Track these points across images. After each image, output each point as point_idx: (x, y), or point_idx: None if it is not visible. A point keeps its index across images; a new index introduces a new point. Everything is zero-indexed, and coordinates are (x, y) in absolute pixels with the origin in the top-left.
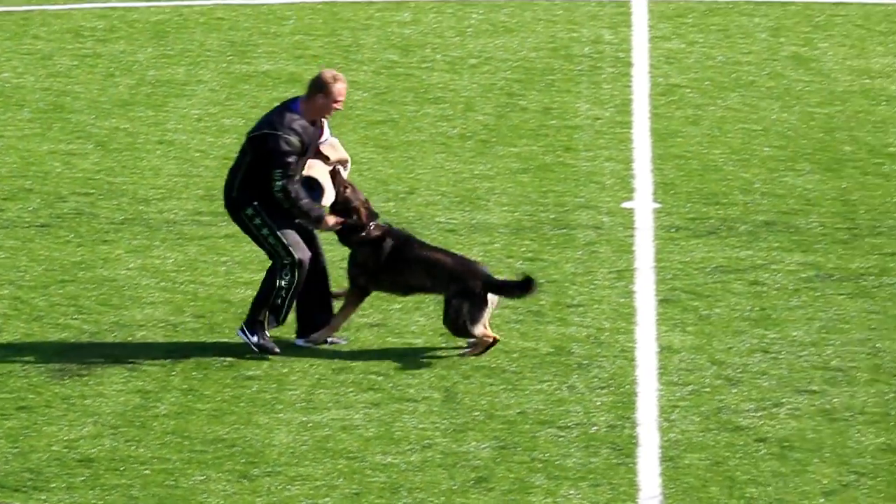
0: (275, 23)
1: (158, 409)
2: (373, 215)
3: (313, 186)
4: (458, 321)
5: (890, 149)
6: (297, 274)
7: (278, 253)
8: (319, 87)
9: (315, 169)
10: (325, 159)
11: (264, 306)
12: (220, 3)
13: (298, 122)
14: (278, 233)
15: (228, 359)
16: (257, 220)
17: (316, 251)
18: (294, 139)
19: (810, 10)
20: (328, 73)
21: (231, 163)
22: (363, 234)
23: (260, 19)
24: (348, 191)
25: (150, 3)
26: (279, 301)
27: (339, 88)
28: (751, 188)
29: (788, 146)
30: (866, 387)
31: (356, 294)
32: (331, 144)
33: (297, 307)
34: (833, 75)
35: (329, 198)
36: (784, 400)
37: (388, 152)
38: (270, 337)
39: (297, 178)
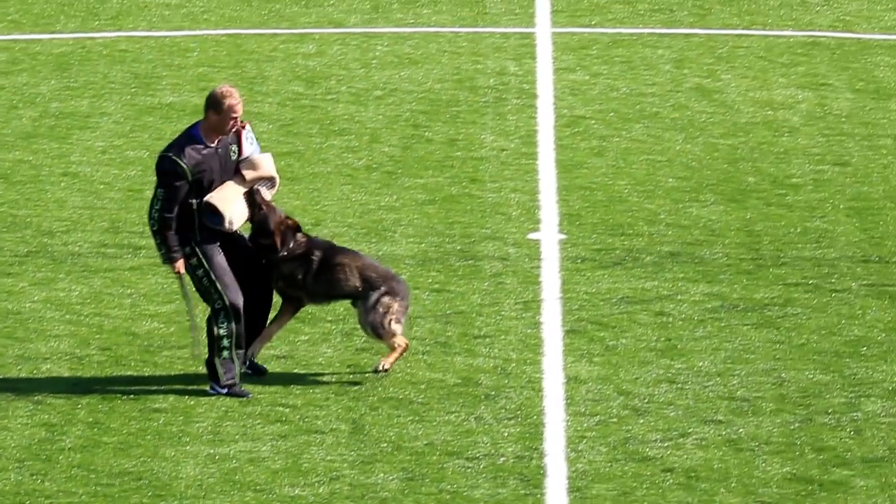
0: (178, 55)
1: (64, 443)
2: (294, 230)
3: (215, 212)
4: (386, 318)
5: (793, 179)
6: (232, 319)
7: (211, 296)
8: (211, 104)
9: (221, 191)
10: (242, 179)
11: (216, 357)
12: (124, 35)
13: (192, 146)
14: (212, 274)
15: (134, 391)
16: (193, 260)
17: (262, 286)
18: (181, 162)
19: (713, 41)
20: (218, 90)
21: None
22: (284, 253)
23: (163, 51)
24: (263, 212)
25: (52, 35)
26: (226, 354)
27: (230, 103)
28: (656, 219)
29: (693, 177)
30: (772, 416)
31: (291, 305)
32: (252, 161)
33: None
34: (736, 107)
35: (236, 219)
36: (690, 430)
37: (294, 184)
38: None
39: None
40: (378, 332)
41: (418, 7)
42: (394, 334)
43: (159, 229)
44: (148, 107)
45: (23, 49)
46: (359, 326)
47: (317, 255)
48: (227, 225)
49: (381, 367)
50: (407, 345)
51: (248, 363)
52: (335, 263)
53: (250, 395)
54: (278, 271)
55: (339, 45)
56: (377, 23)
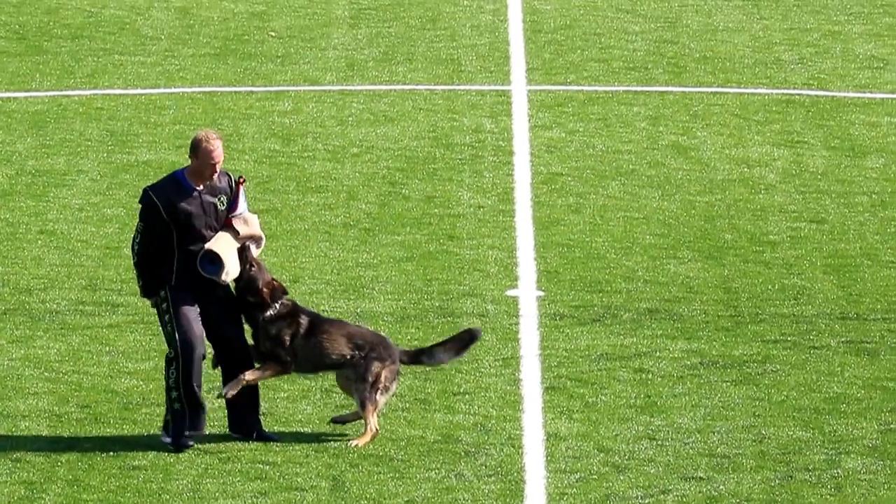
0: (154, 112)
1: (44, 501)
2: (280, 292)
3: (214, 260)
4: (376, 385)
5: (770, 236)
6: (180, 369)
7: (169, 342)
8: (192, 149)
9: (220, 242)
10: (236, 234)
11: (170, 406)
12: (99, 93)
13: (174, 187)
14: (174, 322)
15: (114, 449)
16: (164, 305)
17: (237, 338)
18: (157, 200)
19: (688, 99)
20: (200, 134)
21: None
22: (269, 312)
23: (140, 109)
24: (254, 269)
25: (28, 94)
26: (178, 406)
27: (207, 147)
28: (634, 276)
29: (670, 234)
30: (752, 473)
31: (277, 368)
32: (244, 220)
33: (226, 403)
34: (712, 164)
35: (231, 273)
36: (671, 487)
37: (271, 241)
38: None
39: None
40: (364, 404)
41: (394, 65)
42: (376, 405)
43: (138, 262)
44: (125, 164)
45: None
46: (337, 384)
47: (304, 319)
48: (223, 276)
49: (353, 445)
50: (377, 432)
51: (255, 434)
52: (323, 330)
53: (192, 445)
54: (265, 332)
55: (315, 102)
56: (353, 80)
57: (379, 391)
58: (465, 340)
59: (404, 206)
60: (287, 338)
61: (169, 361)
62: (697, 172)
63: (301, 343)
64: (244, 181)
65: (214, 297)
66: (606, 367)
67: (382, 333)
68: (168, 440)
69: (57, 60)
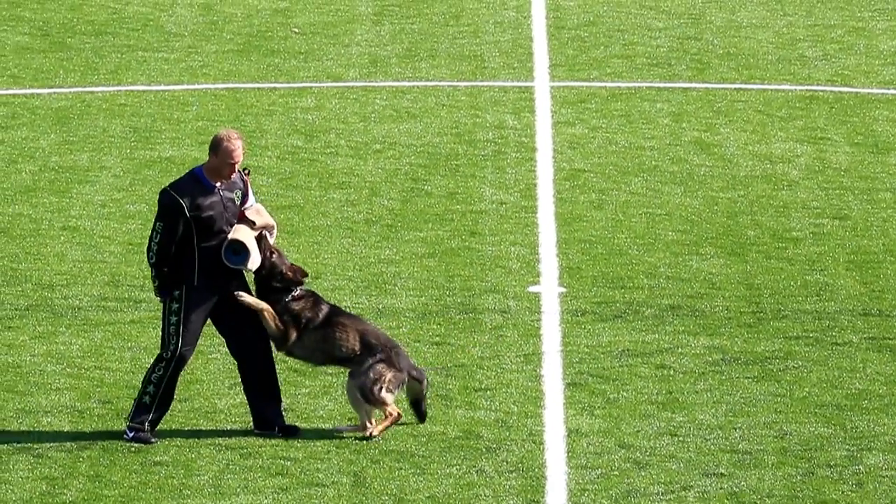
0: (178, 109)
1: (65, 496)
2: (301, 274)
3: (238, 251)
4: (377, 385)
5: (792, 233)
6: (168, 371)
7: (167, 340)
8: (212, 147)
9: (240, 233)
10: (252, 224)
11: (138, 397)
12: (123, 89)
13: (194, 184)
14: (182, 324)
15: (135, 444)
16: (175, 305)
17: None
18: (179, 197)
19: (711, 95)
20: (222, 133)
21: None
22: (294, 293)
23: (163, 105)
24: (275, 256)
25: (52, 90)
26: (147, 399)
27: (229, 147)
28: (656, 272)
29: (692, 230)
30: (774, 470)
31: (278, 331)
32: (256, 210)
33: (247, 399)
34: (735, 160)
35: (255, 261)
36: (692, 483)
37: (294, 237)
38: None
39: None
40: (366, 396)
41: (416, 61)
42: (384, 402)
43: (157, 262)
44: (147, 160)
45: (22, 103)
46: (346, 392)
47: (324, 306)
48: (250, 264)
49: (370, 434)
50: (399, 415)
51: (277, 428)
52: (338, 322)
53: (154, 442)
54: (286, 307)
55: (338, 98)
56: (376, 77)
57: (381, 388)
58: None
59: (426, 203)
60: (304, 318)
61: (160, 359)
62: (720, 169)
63: (315, 329)
64: (249, 172)
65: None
66: (628, 364)
67: (398, 342)
68: (129, 434)
69: (81, 57)
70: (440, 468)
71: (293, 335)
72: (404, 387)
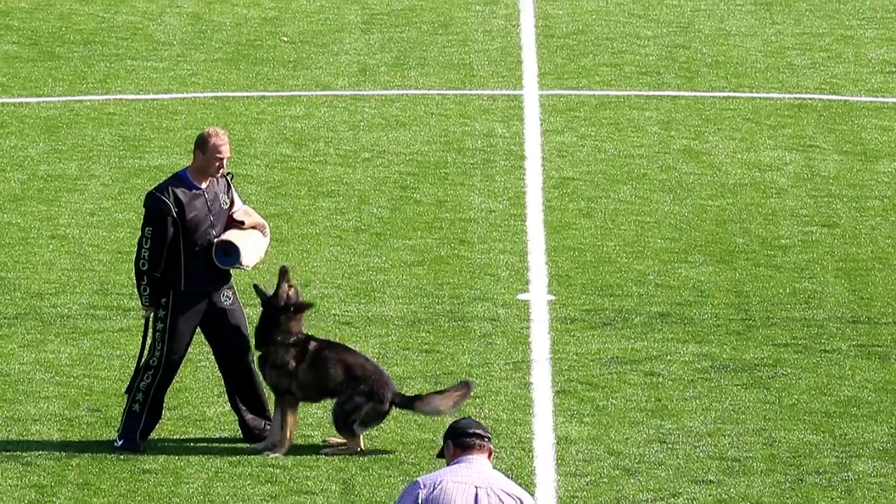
0: (166, 117)
1: None
2: (306, 305)
3: (229, 251)
4: (353, 415)
5: (781, 240)
6: (157, 379)
7: (153, 348)
8: (197, 143)
9: (229, 234)
10: (241, 224)
11: (127, 407)
12: (112, 98)
13: (178, 186)
14: (167, 332)
15: (124, 453)
16: (161, 313)
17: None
18: (165, 199)
19: (700, 103)
20: (208, 129)
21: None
22: (293, 339)
23: (151, 114)
24: (291, 291)
25: (40, 99)
26: (136, 408)
27: (216, 142)
28: (645, 280)
29: (681, 238)
30: (763, 477)
31: (288, 402)
32: (245, 211)
33: (234, 410)
34: (724, 168)
35: (247, 259)
36: (681, 490)
37: (283, 245)
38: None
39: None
40: (338, 425)
41: (406, 70)
42: (352, 435)
43: (148, 269)
44: (136, 169)
45: (11, 112)
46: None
47: (312, 343)
48: (243, 260)
49: (324, 441)
50: (360, 450)
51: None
52: (325, 357)
53: (143, 450)
54: (272, 360)
55: (327, 107)
56: (365, 85)
57: (355, 421)
58: (462, 393)
59: (416, 211)
60: (291, 366)
61: (148, 366)
62: (709, 177)
63: (305, 371)
64: (233, 177)
65: (219, 302)
66: (617, 371)
67: (384, 370)
68: (119, 442)
69: (69, 66)
70: None
71: (291, 386)
72: (384, 420)
